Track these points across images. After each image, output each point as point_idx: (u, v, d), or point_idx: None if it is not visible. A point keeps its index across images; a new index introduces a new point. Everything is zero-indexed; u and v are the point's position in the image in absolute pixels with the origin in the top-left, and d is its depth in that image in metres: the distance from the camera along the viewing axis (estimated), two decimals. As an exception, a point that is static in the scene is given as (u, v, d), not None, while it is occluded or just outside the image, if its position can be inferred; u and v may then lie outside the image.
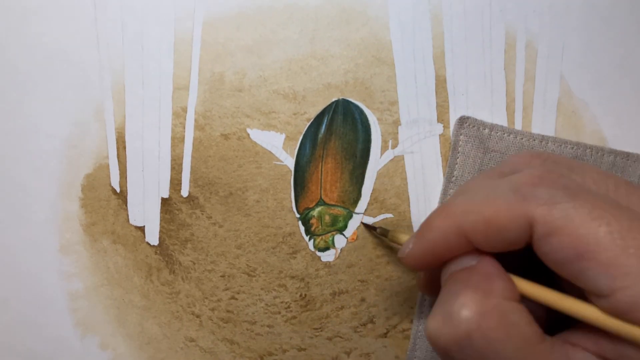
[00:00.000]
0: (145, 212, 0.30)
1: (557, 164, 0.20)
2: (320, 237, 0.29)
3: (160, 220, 0.30)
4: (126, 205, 0.30)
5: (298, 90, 0.29)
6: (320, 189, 0.29)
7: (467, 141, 0.28)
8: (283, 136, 0.29)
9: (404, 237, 0.25)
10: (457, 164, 0.28)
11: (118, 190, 0.30)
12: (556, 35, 0.29)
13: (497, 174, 0.21)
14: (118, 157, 0.30)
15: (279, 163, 0.29)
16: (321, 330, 0.30)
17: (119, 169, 0.30)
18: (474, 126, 0.28)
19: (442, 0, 0.28)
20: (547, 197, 0.17)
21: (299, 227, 0.29)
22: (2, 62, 0.29)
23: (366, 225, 0.29)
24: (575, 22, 0.28)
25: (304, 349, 0.30)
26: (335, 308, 0.29)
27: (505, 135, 0.28)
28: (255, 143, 0.29)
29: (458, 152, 0.28)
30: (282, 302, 0.29)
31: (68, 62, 0.29)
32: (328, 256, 0.29)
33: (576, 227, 0.17)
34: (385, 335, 0.29)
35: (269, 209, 0.29)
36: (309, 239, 0.29)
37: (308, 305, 0.29)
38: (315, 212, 0.29)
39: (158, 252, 0.30)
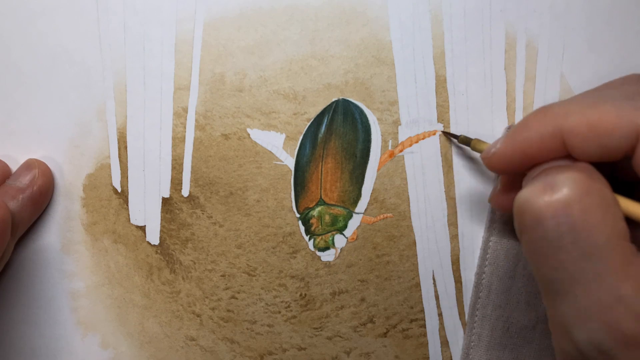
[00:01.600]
0: (146, 212, 0.30)
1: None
2: (320, 237, 0.29)
3: (161, 220, 0.30)
4: (127, 205, 0.30)
5: (298, 91, 0.29)
6: (320, 189, 0.29)
7: None
8: (283, 136, 0.29)
9: (481, 144, 0.25)
10: None
11: (119, 189, 0.30)
12: (557, 35, 0.29)
13: (601, 88, 0.20)
14: (119, 157, 0.30)
15: (279, 163, 0.29)
16: (321, 330, 0.30)
17: (120, 169, 0.30)
18: None
19: (442, 0, 0.29)
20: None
21: (299, 226, 0.29)
22: (6, 63, 0.30)
23: (446, 134, 0.28)
24: (576, 22, 0.28)
25: (304, 349, 0.30)
26: (335, 308, 0.29)
27: None
28: (256, 143, 0.29)
29: None
30: (282, 302, 0.30)
31: (71, 62, 0.30)
32: (328, 256, 0.29)
33: None
34: (385, 335, 0.29)
35: (269, 208, 0.29)
36: (309, 239, 0.29)
37: (308, 304, 0.30)
38: (315, 212, 0.29)
39: (159, 251, 0.30)
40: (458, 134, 0.28)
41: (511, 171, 0.21)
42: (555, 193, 0.17)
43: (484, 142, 0.25)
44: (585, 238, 0.17)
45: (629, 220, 0.18)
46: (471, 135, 0.29)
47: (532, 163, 0.20)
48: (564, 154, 0.19)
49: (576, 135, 0.18)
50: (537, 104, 0.29)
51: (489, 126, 0.29)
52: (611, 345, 0.17)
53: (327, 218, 0.29)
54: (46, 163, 0.29)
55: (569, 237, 0.17)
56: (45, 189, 0.29)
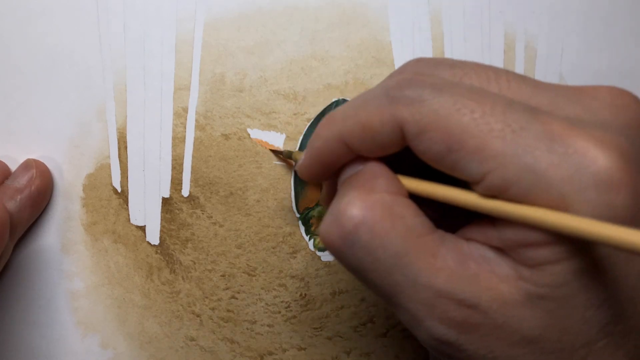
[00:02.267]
0: (146, 212, 0.30)
1: (439, 64, 0.20)
2: (320, 237, 0.29)
3: (161, 220, 0.30)
4: (127, 205, 0.30)
5: (298, 91, 0.29)
6: (321, 189, 0.29)
7: None
8: (283, 136, 0.29)
9: (300, 154, 0.25)
10: None
11: (119, 189, 0.30)
12: (555, 36, 0.29)
13: (384, 80, 0.21)
14: (119, 157, 0.30)
15: (279, 163, 0.29)
16: (321, 330, 0.30)
17: (120, 169, 0.30)
18: None
19: (442, 1, 0.29)
20: (414, 97, 0.17)
21: (299, 226, 0.29)
22: (6, 63, 0.30)
23: (273, 152, 0.29)
24: (575, 23, 0.29)
25: (304, 349, 0.30)
26: (335, 308, 0.30)
27: None
28: (256, 143, 0.29)
29: None
30: (282, 302, 0.30)
31: (70, 63, 0.30)
32: (328, 256, 0.29)
33: (442, 120, 0.17)
34: (385, 334, 0.30)
35: (269, 208, 0.29)
36: (309, 239, 0.29)
37: (308, 304, 0.30)
38: (315, 212, 0.29)
39: (159, 251, 0.30)
40: (278, 149, 0.29)
41: (320, 179, 0.22)
42: (342, 222, 0.18)
43: (299, 152, 0.26)
44: (383, 254, 0.17)
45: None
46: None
47: (332, 169, 0.21)
48: (355, 154, 0.20)
49: (354, 138, 0.19)
50: (536, 104, 0.29)
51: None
52: (451, 336, 0.17)
53: (327, 218, 0.29)
54: (45, 163, 0.29)
55: (369, 259, 0.18)
56: (44, 189, 0.29)
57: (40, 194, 0.29)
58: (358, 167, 0.20)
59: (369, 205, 0.18)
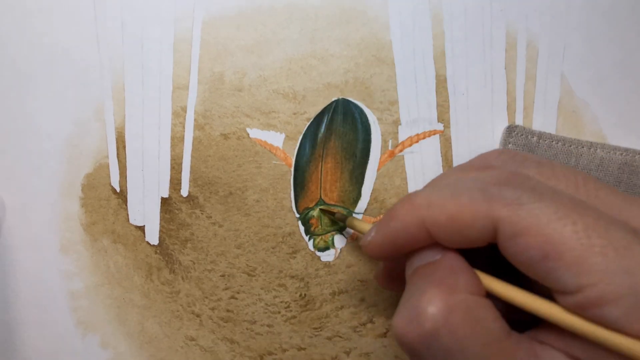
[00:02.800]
0: (145, 212, 0.30)
1: (525, 161, 0.20)
2: (320, 237, 0.29)
3: (160, 220, 0.30)
4: (126, 205, 0.30)
5: (298, 90, 0.29)
6: (320, 189, 0.29)
7: (516, 149, 0.28)
8: (283, 136, 0.29)
9: (360, 224, 0.25)
10: None
11: (118, 189, 0.30)
12: (557, 35, 0.28)
13: (467, 169, 0.21)
14: (118, 157, 0.30)
15: (278, 162, 0.29)
16: (321, 330, 0.30)
17: (119, 169, 0.30)
18: (522, 134, 0.28)
19: (443, -1, 0.28)
20: (513, 198, 0.17)
21: (298, 226, 0.29)
22: (3, 62, 0.29)
23: (323, 211, 0.29)
24: (577, 22, 0.28)
25: (304, 349, 0.30)
26: (334, 308, 0.30)
27: (554, 142, 0.28)
28: (255, 143, 0.29)
29: None
30: (281, 302, 0.30)
31: (68, 61, 0.29)
32: (328, 256, 0.29)
33: (542, 227, 0.17)
34: (384, 335, 0.30)
35: (269, 208, 0.29)
36: (309, 239, 0.29)
37: (308, 305, 0.30)
38: (315, 212, 0.29)
39: (158, 251, 0.30)
40: (335, 210, 0.29)
41: (388, 258, 0.22)
42: (421, 322, 0.18)
43: (359, 220, 0.26)
44: (461, 357, 0.17)
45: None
46: (471, 134, 0.29)
47: (405, 251, 0.20)
48: (433, 241, 0.19)
49: (439, 228, 0.19)
50: (538, 103, 0.29)
51: (489, 126, 0.29)
52: None
53: (326, 218, 0.29)
54: (44, 162, 0.29)
55: None
56: None
57: None
58: (434, 256, 0.19)
59: (451, 306, 0.17)
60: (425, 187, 0.21)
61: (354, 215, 0.29)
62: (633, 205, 0.18)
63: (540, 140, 0.28)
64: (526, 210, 0.17)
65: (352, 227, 0.26)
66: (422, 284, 0.18)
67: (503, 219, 0.17)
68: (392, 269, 0.23)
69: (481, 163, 0.21)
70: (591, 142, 0.28)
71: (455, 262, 0.19)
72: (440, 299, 0.18)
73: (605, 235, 0.16)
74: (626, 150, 0.27)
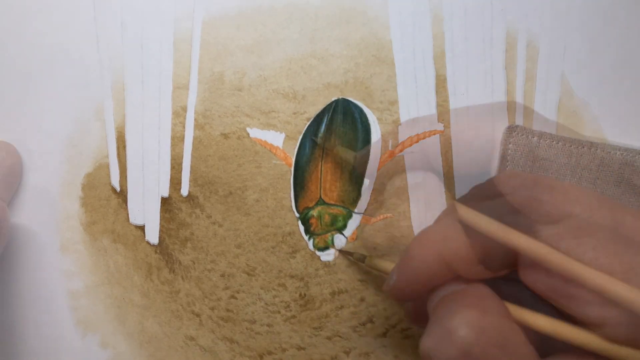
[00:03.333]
0: (145, 211, 0.30)
1: (536, 185, 0.20)
2: (320, 237, 0.29)
3: (160, 220, 0.30)
4: (126, 205, 0.30)
5: (298, 90, 0.29)
6: (320, 189, 0.29)
7: (517, 150, 0.28)
8: (283, 135, 0.29)
9: (381, 263, 0.25)
10: None
11: (118, 189, 0.30)
12: (557, 35, 0.28)
13: (477, 197, 0.21)
14: (118, 156, 0.30)
15: (278, 162, 0.29)
16: (320, 330, 0.30)
17: (119, 168, 0.30)
18: (522, 134, 0.28)
19: (443, -1, 0.28)
20: (530, 225, 0.17)
21: (298, 226, 0.29)
22: (3, 62, 0.29)
23: (342, 252, 0.29)
24: (577, 22, 0.28)
25: (303, 348, 0.30)
26: (334, 307, 0.30)
27: (554, 142, 0.28)
28: (255, 142, 0.29)
29: (507, 162, 0.28)
30: (281, 302, 0.30)
31: (68, 61, 0.29)
32: (327, 256, 0.29)
33: (561, 254, 0.16)
34: (384, 334, 0.30)
35: (269, 208, 0.29)
36: (309, 239, 0.29)
37: (307, 304, 0.30)
38: (314, 212, 0.29)
39: (158, 251, 0.30)
40: (352, 252, 0.28)
41: (414, 299, 0.22)
42: (453, 342, 0.17)
43: (378, 258, 0.26)
44: None
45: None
46: (471, 134, 0.29)
47: (429, 288, 0.20)
48: (453, 275, 0.19)
49: (458, 260, 0.18)
50: (538, 103, 0.29)
51: (489, 126, 0.29)
52: None
53: (326, 218, 0.29)
54: (44, 161, 0.29)
55: None
56: (15, 168, 0.29)
57: (12, 174, 0.28)
58: (460, 286, 0.19)
59: (484, 328, 0.17)
60: (435, 222, 0.21)
61: (353, 215, 0.29)
62: None
63: (541, 140, 0.28)
64: (544, 238, 0.17)
65: (372, 268, 0.26)
66: (452, 307, 0.18)
67: (521, 247, 0.17)
68: (420, 305, 0.23)
69: (490, 190, 0.21)
70: (591, 142, 0.28)
71: (483, 289, 0.19)
72: (472, 320, 0.17)
73: (628, 260, 0.16)
74: (626, 149, 0.27)
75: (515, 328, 0.18)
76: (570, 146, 0.28)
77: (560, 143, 0.28)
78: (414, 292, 0.21)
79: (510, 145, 0.28)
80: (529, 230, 0.17)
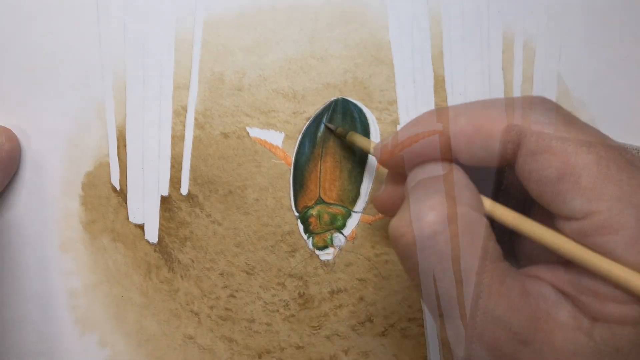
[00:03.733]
0: (144, 210, 0.30)
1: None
2: (319, 236, 0.29)
3: (160, 218, 0.30)
4: (126, 203, 0.30)
5: (297, 90, 0.29)
6: (319, 188, 0.29)
7: None
8: (283, 135, 0.29)
9: (361, 139, 0.26)
10: None
11: (118, 188, 0.30)
12: (554, 36, 0.29)
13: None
14: (118, 155, 0.30)
15: (277, 161, 0.29)
16: (319, 329, 0.30)
17: (119, 167, 0.30)
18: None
19: (441, 1, 0.29)
20: (542, 118, 0.18)
21: (297, 225, 0.29)
22: (5, 62, 0.30)
23: (326, 126, 0.29)
24: (574, 23, 0.29)
25: (302, 347, 0.30)
26: (333, 306, 0.30)
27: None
28: (255, 142, 0.29)
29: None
30: (280, 300, 0.30)
31: (70, 61, 0.30)
32: (327, 255, 0.29)
33: (566, 148, 0.17)
34: (383, 334, 0.29)
35: (268, 207, 0.29)
36: (308, 238, 0.29)
37: (306, 303, 0.30)
38: (314, 211, 0.29)
39: (157, 250, 0.30)
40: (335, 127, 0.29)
41: (398, 166, 0.22)
42: (421, 225, 0.18)
43: (358, 135, 0.26)
44: (454, 266, 0.17)
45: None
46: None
47: (414, 163, 0.20)
48: (446, 155, 0.19)
49: (462, 137, 0.19)
50: (535, 104, 0.29)
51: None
52: None
53: (326, 217, 0.29)
54: (45, 160, 0.30)
55: (439, 267, 0.17)
56: (14, 153, 0.29)
57: (11, 159, 0.29)
58: (440, 171, 0.19)
59: (453, 216, 0.17)
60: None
61: (353, 214, 0.29)
62: None
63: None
64: (554, 131, 0.17)
65: (352, 143, 0.26)
66: (426, 192, 0.18)
67: (530, 134, 0.17)
68: (393, 192, 0.23)
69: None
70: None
71: (462, 178, 0.19)
72: (442, 207, 0.18)
73: (626, 170, 0.16)
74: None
75: (485, 222, 0.18)
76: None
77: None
78: (400, 158, 0.20)
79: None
80: (542, 121, 0.17)
